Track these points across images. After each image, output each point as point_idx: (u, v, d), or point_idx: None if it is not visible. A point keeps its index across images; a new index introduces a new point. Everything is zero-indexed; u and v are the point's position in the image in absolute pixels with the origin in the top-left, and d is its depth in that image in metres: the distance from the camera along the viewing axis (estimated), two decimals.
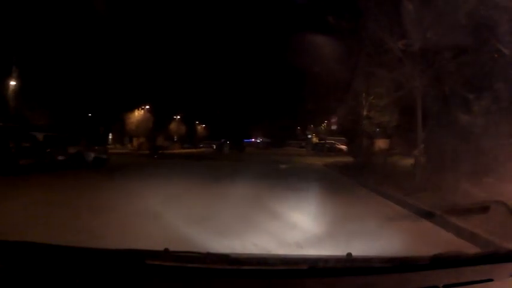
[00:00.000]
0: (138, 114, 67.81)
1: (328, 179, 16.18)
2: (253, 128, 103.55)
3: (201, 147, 73.43)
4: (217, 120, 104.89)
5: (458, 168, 10.36)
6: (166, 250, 1.94)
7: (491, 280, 1.85)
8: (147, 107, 68.34)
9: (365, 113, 26.77)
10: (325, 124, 69.75)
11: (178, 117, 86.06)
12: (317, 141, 63.90)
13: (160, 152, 43.19)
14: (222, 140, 60.42)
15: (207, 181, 13.56)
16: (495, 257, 2.17)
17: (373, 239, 5.22)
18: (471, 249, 5.13)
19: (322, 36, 22.81)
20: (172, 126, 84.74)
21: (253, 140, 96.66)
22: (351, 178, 16.04)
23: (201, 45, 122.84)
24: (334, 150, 46.15)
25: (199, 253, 1.91)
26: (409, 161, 17.07)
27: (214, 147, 61.00)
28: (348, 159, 26.94)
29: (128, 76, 60.28)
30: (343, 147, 48.97)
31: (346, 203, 9.77)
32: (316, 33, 23.88)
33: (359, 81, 26.18)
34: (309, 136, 58.83)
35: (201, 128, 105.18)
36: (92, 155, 19.57)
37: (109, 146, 60.90)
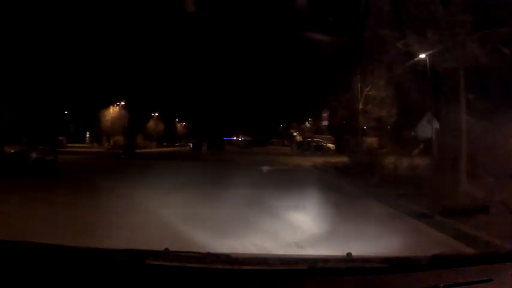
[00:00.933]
0: (113, 111, 63.76)
1: (326, 187, 12.13)
2: (235, 126, 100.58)
3: (177, 146, 69.29)
4: (197, 118, 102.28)
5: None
6: (166, 250, 1.95)
7: (491, 280, 1.79)
8: (122, 103, 64.17)
9: (360, 106, 23.80)
10: (309, 121, 67.15)
11: (157, 114, 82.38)
12: (300, 139, 60.77)
13: (135, 151, 40.66)
14: (199, 139, 56.51)
15: (163, 194, 9.82)
16: (495, 257, 2.14)
17: None
18: None
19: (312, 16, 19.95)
20: (150, 124, 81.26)
21: (235, 138, 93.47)
22: (355, 186, 12.62)
23: (179, 39, 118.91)
24: (321, 149, 43.14)
25: (199, 253, 1.93)
26: (414, 162, 14.22)
27: (191, 146, 56.57)
28: (340, 159, 23.82)
29: (104, 70, 57.76)
30: (331, 145, 46.15)
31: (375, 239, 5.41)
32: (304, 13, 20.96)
33: (355, 69, 23.33)
34: (294, 134, 55.14)
35: (181, 125, 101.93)
36: (34, 155, 15.91)
37: (86, 145, 58.71)
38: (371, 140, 27.36)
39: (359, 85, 23.64)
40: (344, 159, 24.26)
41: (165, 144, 70.61)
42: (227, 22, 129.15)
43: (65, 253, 1.88)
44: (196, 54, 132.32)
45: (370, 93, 23.79)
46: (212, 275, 1.72)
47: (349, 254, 2.01)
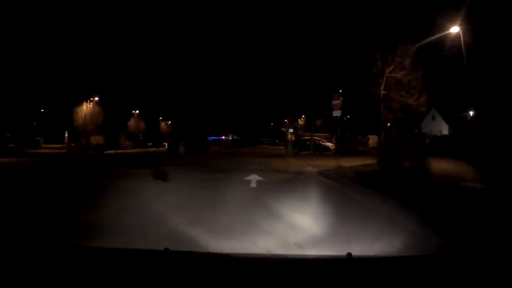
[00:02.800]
0: (86, 107, 57.30)
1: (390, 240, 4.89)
2: (223, 124, 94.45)
3: (150, 145, 62.68)
4: (183, 116, 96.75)
5: None
6: (166, 250, 1.93)
7: (491, 280, 1.72)
8: (96, 98, 57.78)
9: (382, 92, 17.95)
10: (302, 118, 61.24)
11: (137, 112, 76.30)
12: (293, 138, 54.85)
13: (104, 152, 36.95)
14: (176, 138, 48.98)
15: None
16: (494, 257, 2.14)
17: None
18: None
19: None
20: (131, 122, 75.17)
21: (223, 137, 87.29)
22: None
23: (161, 32, 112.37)
24: (318, 149, 37.46)
25: (199, 253, 1.99)
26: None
27: (166, 146, 49.13)
28: (352, 162, 18.19)
29: (79, 63, 53.26)
30: (330, 144, 40.54)
31: None
32: None
33: (373, 46, 17.72)
34: (290, 130, 48.38)
35: (165, 124, 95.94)
36: None
37: (65, 145, 53.51)
38: (374, 138, 22.06)
39: (379, 63, 17.85)
40: (355, 162, 18.63)
41: (149, 144, 63.97)
42: (213, 14, 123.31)
43: (65, 252, 1.91)
44: (180, 48, 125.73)
45: (392, 75, 18.01)
46: (212, 274, 1.69)
47: (349, 254, 1.94)
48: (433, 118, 53.21)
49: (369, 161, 20.15)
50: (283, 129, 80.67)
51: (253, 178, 12.89)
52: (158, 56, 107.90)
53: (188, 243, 4.79)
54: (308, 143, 39.61)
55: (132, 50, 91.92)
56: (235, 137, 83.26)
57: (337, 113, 16.52)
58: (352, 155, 29.97)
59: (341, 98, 16.41)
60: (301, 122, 61.56)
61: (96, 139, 55.27)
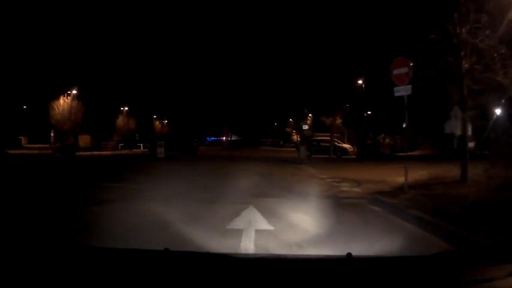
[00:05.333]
0: (64, 102, 50.56)
1: None
2: (224, 124, 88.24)
3: (122, 146, 57.62)
4: (180, 116, 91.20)
5: None
6: (166, 250, 1.93)
7: (491, 280, 1.65)
8: (74, 92, 51.21)
9: (463, 63, 11.11)
10: (310, 117, 54.55)
11: (126, 109, 69.72)
12: (298, 138, 48.36)
13: (75, 154, 35.07)
14: (157, 139, 42.70)
15: None
16: (495, 257, 2.11)
17: None
18: None
19: None
20: (120, 120, 68.52)
21: (224, 138, 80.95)
22: None
23: (153, 18, 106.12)
24: (336, 152, 31.74)
25: (199, 253, 1.94)
26: None
27: (145, 148, 44.58)
28: (401, 175, 11.30)
29: (58, 55, 48.23)
30: (347, 146, 34.28)
31: None
32: None
33: None
34: (305, 127, 41.20)
35: (160, 124, 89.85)
36: None
37: (47, 145, 48.31)
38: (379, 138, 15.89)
39: (456, 16, 10.95)
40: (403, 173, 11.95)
41: (121, 145, 58.15)
42: (212, 4, 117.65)
43: (64, 251, 1.89)
44: (177, 40, 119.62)
45: (470, 39, 11.23)
46: (212, 275, 1.67)
47: (349, 254, 1.92)
48: (455, 117, 47.20)
49: (422, 170, 13.29)
50: (287, 129, 74.52)
51: (249, 224, 5.84)
52: (151, 48, 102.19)
53: None
54: (323, 144, 33.04)
55: (123, 41, 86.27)
56: (235, 137, 76.69)
57: (403, 91, 9.34)
58: (381, 160, 23.35)
59: (410, 64, 9.40)
60: (307, 121, 55.02)
61: (84, 139, 51.72)
